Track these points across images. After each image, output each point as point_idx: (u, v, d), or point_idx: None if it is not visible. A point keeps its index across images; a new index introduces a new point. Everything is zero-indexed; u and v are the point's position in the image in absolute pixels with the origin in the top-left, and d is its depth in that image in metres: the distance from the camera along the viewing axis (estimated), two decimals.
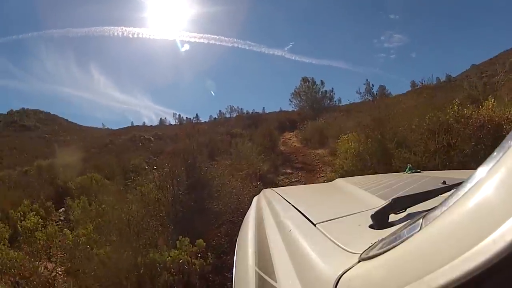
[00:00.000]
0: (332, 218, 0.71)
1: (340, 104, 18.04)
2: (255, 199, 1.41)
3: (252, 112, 20.13)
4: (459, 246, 0.27)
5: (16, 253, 3.24)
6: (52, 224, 4.98)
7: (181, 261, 2.85)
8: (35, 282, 2.96)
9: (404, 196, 0.64)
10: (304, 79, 17.86)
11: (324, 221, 0.69)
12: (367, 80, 17.47)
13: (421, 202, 0.62)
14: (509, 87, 6.67)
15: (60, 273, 3.42)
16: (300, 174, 7.17)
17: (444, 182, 0.94)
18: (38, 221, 4.56)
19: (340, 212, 0.74)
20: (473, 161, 3.84)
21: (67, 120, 34.16)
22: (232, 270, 1.07)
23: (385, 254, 0.37)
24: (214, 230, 3.78)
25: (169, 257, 2.85)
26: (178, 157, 4.47)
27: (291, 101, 18.31)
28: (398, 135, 4.91)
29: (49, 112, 33.91)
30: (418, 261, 0.32)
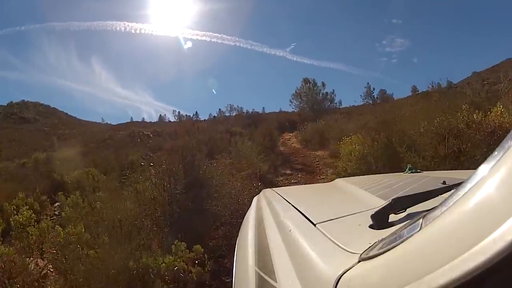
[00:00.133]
0: (332, 218, 0.71)
1: (341, 107, 18.10)
2: (255, 199, 1.40)
3: (252, 112, 20.16)
4: (459, 246, 0.27)
5: (6, 249, 3.08)
6: (46, 218, 4.88)
7: (176, 268, 2.62)
8: (23, 281, 2.79)
9: (404, 196, 0.64)
10: (305, 80, 17.87)
11: (324, 221, 0.69)
12: (368, 83, 17.56)
13: (421, 202, 0.62)
14: None
15: (51, 270, 3.25)
16: (299, 176, 7.10)
17: (444, 182, 0.94)
18: (30, 215, 4.45)
19: (340, 212, 0.75)
20: None
21: (66, 113, 34.11)
22: (232, 270, 1.06)
23: (385, 254, 0.37)
24: (212, 232, 3.64)
25: (163, 263, 2.61)
26: (176, 154, 4.28)
27: (292, 102, 18.31)
28: (407, 138, 4.79)
29: (49, 105, 33.86)
30: (418, 261, 0.32)
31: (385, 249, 0.38)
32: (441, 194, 0.65)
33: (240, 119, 17.56)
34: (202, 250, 2.86)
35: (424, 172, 1.68)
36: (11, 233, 4.28)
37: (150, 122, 28.50)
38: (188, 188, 3.78)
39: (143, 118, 30.43)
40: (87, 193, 4.74)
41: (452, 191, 0.36)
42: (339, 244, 0.53)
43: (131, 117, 30.03)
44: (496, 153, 0.30)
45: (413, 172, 1.56)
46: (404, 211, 0.59)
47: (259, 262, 0.83)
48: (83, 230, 3.13)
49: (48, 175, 7.94)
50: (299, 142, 11.50)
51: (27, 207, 4.89)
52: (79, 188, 5.56)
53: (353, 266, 0.43)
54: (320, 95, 17.64)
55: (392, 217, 0.59)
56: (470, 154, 4.18)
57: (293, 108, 18.49)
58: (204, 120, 23.16)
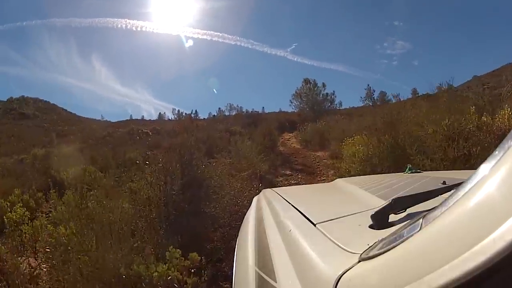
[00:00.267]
0: (332, 218, 0.71)
1: (341, 108, 18.13)
2: (255, 199, 1.40)
3: (251, 111, 20.17)
4: (459, 246, 0.27)
5: None
6: (41, 216, 4.70)
7: (170, 277, 2.42)
8: (12, 281, 2.66)
9: (404, 196, 0.64)
10: (306, 81, 17.92)
11: (324, 221, 0.69)
12: (368, 85, 17.59)
13: (421, 202, 0.62)
14: None
15: (45, 270, 3.08)
16: (300, 176, 7.04)
17: (444, 182, 0.94)
18: (24, 213, 4.34)
19: (340, 212, 0.75)
20: None
21: (66, 110, 34.09)
22: (232, 270, 1.06)
23: (385, 254, 0.37)
24: (209, 234, 3.48)
25: (156, 272, 2.43)
26: (174, 152, 4.07)
27: (292, 102, 18.37)
28: (413, 140, 4.65)
29: (48, 101, 33.84)
30: (418, 261, 0.32)
31: (385, 249, 0.38)
32: (441, 194, 0.65)
33: (239, 119, 17.57)
34: (199, 258, 2.65)
35: (424, 172, 1.68)
36: (5, 231, 4.14)
37: (150, 120, 28.58)
38: (185, 189, 3.60)
39: (143, 116, 30.52)
40: (82, 191, 4.58)
41: (452, 191, 0.36)
42: (339, 244, 0.53)
43: (131, 115, 30.09)
44: (496, 152, 0.30)
45: (413, 172, 1.56)
46: (404, 211, 0.59)
47: (259, 262, 0.83)
48: (73, 231, 2.94)
49: (45, 171, 7.86)
50: (299, 142, 11.50)
51: (21, 204, 4.76)
52: (75, 185, 5.44)
53: (353, 266, 0.43)
54: (321, 95, 17.69)
55: (392, 217, 0.59)
56: (480, 157, 4.07)
57: (293, 109, 18.57)
58: (204, 119, 23.20)
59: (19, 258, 3.11)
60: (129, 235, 2.96)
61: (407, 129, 4.92)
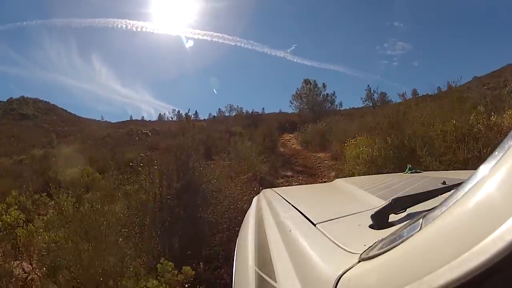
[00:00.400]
0: (332, 218, 0.71)
1: (341, 108, 18.12)
2: (255, 199, 1.40)
3: (251, 112, 20.15)
4: (459, 246, 0.27)
5: None
6: (38, 218, 4.64)
7: None
8: (6, 286, 2.60)
9: (404, 196, 0.65)
10: (306, 81, 17.91)
11: (324, 221, 0.69)
12: (368, 86, 17.57)
13: (421, 202, 0.62)
14: None
15: (39, 275, 2.98)
16: (301, 178, 6.99)
17: (444, 182, 0.94)
18: (18, 216, 4.25)
19: (340, 212, 0.75)
20: None
21: (66, 110, 34.04)
22: (232, 270, 1.06)
23: (385, 254, 0.37)
24: (206, 240, 3.33)
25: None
26: (170, 154, 3.83)
27: (292, 103, 18.34)
28: (420, 140, 4.49)
29: (48, 102, 33.80)
30: (418, 261, 0.32)
31: (385, 249, 0.38)
32: (441, 194, 0.65)
33: (239, 119, 17.55)
34: (193, 272, 2.49)
35: (424, 172, 1.69)
36: (0, 234, 4.06)
37: (150, 120, 28.56)
38: (181, 193, 3.40)
39: (143, 116, 30.51)
40: (77, 193, 4.42)
41: (452, 191, 0.36)
42: (339, 244, 0.53)
43: (131, 116, 30.10)
44: (496, 153, 0.30)
45: (413, 172, 1.56)
46: (404, 211, 0.60)
47: (259, 262, 0.83)
48: (65, 237, 2.83)
49: (43, 172, 7.80)
50: (299, 143, 11.48)
51: (16, 207, 4.68)
52: (71, 187, 5.30)
53: (353, 266, 0.43)
54: (321, 96, 17.68)
55: (392, 217, 0.59)
56: None
57: (293, 109, 18.53)
58: (204, 119, 23.17)
59: (13, 262, 3.04)
60: (123, 242, 2.85)
61: (414, 129, 4.77)
